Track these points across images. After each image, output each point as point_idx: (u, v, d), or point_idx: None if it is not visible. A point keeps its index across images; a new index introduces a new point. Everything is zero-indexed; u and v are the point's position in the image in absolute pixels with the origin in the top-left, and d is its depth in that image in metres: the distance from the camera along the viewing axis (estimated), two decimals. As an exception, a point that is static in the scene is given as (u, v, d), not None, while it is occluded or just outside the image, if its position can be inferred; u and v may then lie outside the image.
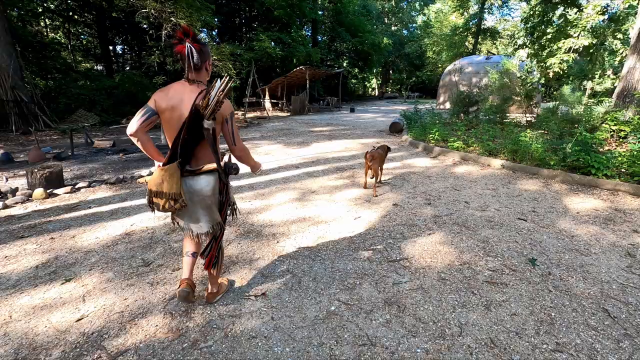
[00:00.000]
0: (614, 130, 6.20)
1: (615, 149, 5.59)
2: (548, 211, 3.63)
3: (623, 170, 4.56)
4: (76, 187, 4.54)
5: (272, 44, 20.46)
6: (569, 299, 2.15)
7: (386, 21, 40.77)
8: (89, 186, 4.63)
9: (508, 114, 9.20)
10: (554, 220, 3.40)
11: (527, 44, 10.84)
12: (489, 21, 33.57)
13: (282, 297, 2.20)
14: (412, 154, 6.81)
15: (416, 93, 34.11)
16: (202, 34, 18.85)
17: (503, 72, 10.00)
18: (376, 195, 4.25)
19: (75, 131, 7.61)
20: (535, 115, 9.40)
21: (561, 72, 9.41)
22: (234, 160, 2.01)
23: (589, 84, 10.41)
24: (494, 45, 34.50)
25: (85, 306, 2.12)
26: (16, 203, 3.96)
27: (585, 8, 9.83)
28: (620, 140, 6.21)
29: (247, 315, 2.03)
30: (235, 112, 2.00)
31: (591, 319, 1.97)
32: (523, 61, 11.48)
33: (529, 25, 10.66)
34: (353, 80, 36.40)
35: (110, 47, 21.56)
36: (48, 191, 4.25)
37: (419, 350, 1.74)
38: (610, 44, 10.06)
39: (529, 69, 10.31)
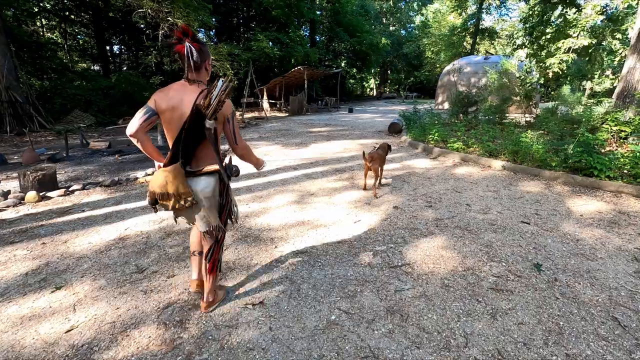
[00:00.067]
0: (614, 131, 6.15)
1: (616, 149, 5.54)
2: (551, 214, 3.56)
3: (625, 171, 4.50)
4: (70, 189, 4.45)
5: (270, 44, 20.37)
6: (577, 306, 2.08)
7: (384, 21, 40.77)
8: (83, 189, 4.54)
9: (507, 114, 9.15)
10: (558, 223, 3.33)
11: (526, 44, 10.81)
12: (487, 21, 33.61)
13: (281, 305, 2.12)
14: (411, 155, 6.74)
15: (414, 93, 34.09)
16: (200, 34, 18.75)
17: (502, 72, 9.96)
18: (376, 196, 4.19)
19: (70, 132, 7.49)
20: (534, 116, 9.36)
21: (561, 72, 9.37)
22: (234, 161, 2.00)
23: (588, 84, 10.37)
24: (492, 45, 34.53)
25: (76, 316, 2.04)
26: (8, 206, 3.87)
27: (584, 8, 9.81)
28: (621, 140, 6.17)
29: (244, 325, 1.95)
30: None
31: (601, 328, 1.90)
32: (522, 61, 11.44)
33: (528, 25, 10.63)
34: (351, 81, 36.35)
35: (107, 47, 21.44)
36: (41, 194, 4.16)
37: (423, 363, 1.67)
38: (609, 44, 10.02)
39: (528, 69, 10.27)
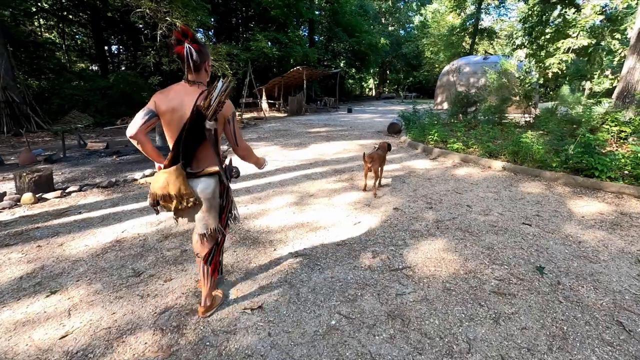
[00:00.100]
0: (614, 131, 6.13)
1: (616, 150, 5.51)
2: (552, 215, 3.53)
3: (626, 172, 4.48)
4: (66, 191, 4.40)
5: (269, 44, 20.33)
6: (581, 310, 2.05)
7: (383, 21, 40.78)
8: (79, 190, 4.49)
9: (506, 115, 9.13)
10: (560, 225, 3.30)
11: (526, 44, 10.79)
12: (486, 21, 33.62)
13: (280, 310, 2.08)
14: (411, 156, 6.71)
15: (413, 93, 34.08)
16: (199, 34, 18.69)
17: (501, 73, 9.94)
18: (376, 195, 4.19)
19: (67, 133, 7.45)
20: (533, 116, 9.34)
21: (560, 73, 9.36)
22: (235, 163, 2.00)
23: (587, 84, 10.36)
24: (491, 45, 34.54)
25: (71, 321, 2.00)
26: (3, 208, 3.82)
27: (584, 8, 9.79)
28: (621, 141, 6.15)
29: (243, 331, 1.91)
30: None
31: (605, 333, 1.87)
32: (521, 61, 11.43)
33: (527, 25, 10.60)
34: (350, 81, 36.32)
35: (106, 47, 21.35)
36: (37, 196, 4.12)
37: (425, 370, 1.64)
38: (608, 44, 10.00)
39: (527, 69, 10.25)
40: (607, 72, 11.10)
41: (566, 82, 9.01)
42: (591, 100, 7.48)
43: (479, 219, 3.46)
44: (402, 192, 4.39)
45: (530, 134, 5.70)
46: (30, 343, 1.83)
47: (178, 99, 1.67)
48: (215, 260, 1.98)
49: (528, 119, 9.26)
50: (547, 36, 9.98)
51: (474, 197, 4.12)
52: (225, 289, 2.29)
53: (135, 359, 1.71)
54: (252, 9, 23.01)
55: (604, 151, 5.00)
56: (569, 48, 9.30)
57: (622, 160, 4.49)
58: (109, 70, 19.48)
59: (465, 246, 2.87)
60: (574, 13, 9.67)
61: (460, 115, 10.02)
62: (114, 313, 2.07)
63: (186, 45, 1.63)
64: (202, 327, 1.93)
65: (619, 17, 9.76)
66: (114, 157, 6.61)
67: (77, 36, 22.19)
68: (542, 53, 10.09)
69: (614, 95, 7.33)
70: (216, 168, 1.81)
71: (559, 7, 9.82)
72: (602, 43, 9.85)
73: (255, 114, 16.85)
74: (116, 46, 23.92)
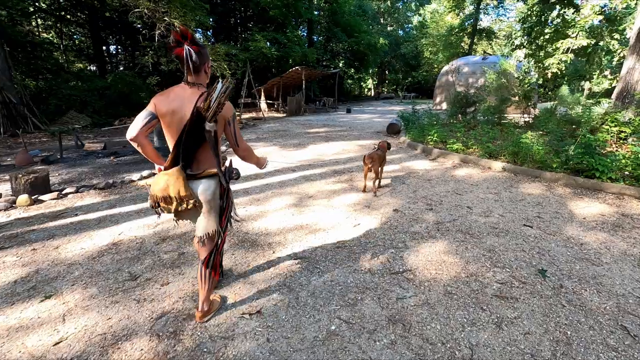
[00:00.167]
0: (614, 132, 6.11)
1: (616, 150, 5.50)
2: (554, 217, 3.51)
3: (627, 173, 4.46)
4: (63, 192, 4.35)
5: (268, 44, 20.30)
6: (585, 315, 2.02)
7: (382, 21, 40.78)
8: (76, 192, 4.44)
9: (506, 115, 9.11)
10: (561, 226, 3.27)
11: (525, 44, 10.78)
12: (485, 21, 33.64)
13: (279, 315, 2.05)
14: (410, 156, 6.68)
15: (412, 93, 34.09)
16: (197, 34, 18.64)
17: (500, 73, 9.92)
18: (376, 193, 4.23)
19: (65, 133, 7.39)
20: (533, 116, 9.32)
21: (559, 73, 9.34)
22: (235, 165, 2.00)
23: (586, 85, 10.36)
24: (490, 46, 34.57)
25: (65, 327, 1.96)
26: (-2, 210, 3.77)
27: (583, 8, 9.79)
28: (621, 141, 6.13)
29: (241, 336, 1.87)
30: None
31: (610, 337, 1.84)
32: (520, 61, 11.42)
33: (526, 26, 10.59)
34: (349, 81, 36.30)
35: (104, 47, 21.27)
36: (33, 197, 4.07)
37: (428, 377, 1.60)
38: (607, 44, 10.00)
39: (526, 70, 10.23)
40: (606, 72, 11.10)
41: (565, 82, 9.00)
42: (590, 101, 7.47)
43: (479, 220, 3.43)
44: (402, 193, 4.36)
45: (530, 134, 5.68)
46: (23, 350, 1.79)
47: (178, 101, 1.67)
48: (215, 262, 1.97)
49: (527, 119, 9.24)
50: (546, 36, 9.97)
51: (474, 199, 4.10)
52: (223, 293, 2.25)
53: (130, 367, 1.67)
54: (250, 9, 22.96)
55: (604, 152, 4.98)
56: (568, 48, 9.29)
57: (623, 161, 4.47)
58: (107, 70, 19.40)
59: (466, 248, 2.84)
60: (573, 13, 9.67)
61: (460, 115, 10.00)
62: (109, 318, 2.03)
63: (185, 47, 1.63)
64: (199, 333, 1.89)
65: (618, 17, 9.76)
66: (112, 158, 6.56)
67: (75, 36, 22.09)
68: (541, 53, 10.08)
69: (614, 96, 7.32)
70: (221, 168, 1.81)
71: (557, 7, 9.81)
72: (601, 43, 9.85)
73: (254, 114, 16.80)
74: (114, 46, 23.84)
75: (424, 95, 34.64)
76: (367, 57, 29.05)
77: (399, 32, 42.40)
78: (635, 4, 7.65)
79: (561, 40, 9.45)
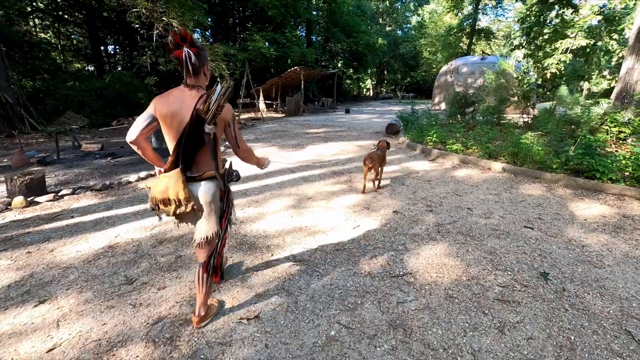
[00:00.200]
0: (613, 132, 6.10)
1: (616, 151, 5.48)
2: (554, 218, 3.48)
3: (627, 173, 4.43)
4: (59, 194, 4.30)
5: (266, 44, 20.24)
6: (588, 319, 1.99)
7: (380, 21, 40.77)
8: (73, 193, 4.40)
9: (505, 115, 9.10)
10: (562, 228, 3.25)
11: (524, 44, 10.76)
12: (483, 22, 33.64)
13: (277, 320, 2.01)
14: (410, 157, 6.65)
15: (411, 94, 34.05)
16: (195, 34, 18.59)
17: (499, 73, 9.91)
18: (377, 190, 4.30)
19: (62, 134, 7.34)
20: (531, 116, 9.31)
21: (558, 73, 9.33)
22: (235, 167, 1.99)
23: (585, 85, 10.35)
24: (488, 46, 34.58)
25: (59, 333, 1.92)
26: (-7, 213, 3.72)
27: (582, 8, 9.78)
28: (620, 142, 6.12)
29: (239, 342, 1.84)
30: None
31: (614, 342, 1.81)
32: (519, 62, 11.41)
33: (525, 26, 10.58)
34: (348, 81, 36.26)
35: (102, 47, 21.17)
36: (29, 199, 4.02)
37: (429, 384, 1.57)
38: (605, 44, 10.00)
39: (525, 70, 10.22)
40: (605, 73, 11.10)
41: (563, 82, 8.99)
42: (589, 101, 7.46)
43: (480, 222, 3.40)
44: (402, 194, 4.33)
45: (530, 134, 5.66)
46: (16, 357, 1.75)
47: (177, 104, 1.66)
48: (215, 265, 1.96)
49: (526, 120, 9.23)
50: (545, 36, 9.96)
51: (475, 200, 4.07)
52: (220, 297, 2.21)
53: (125, 374, 1.64)
54: (249, 9, 22.91)
55: (603, 152, 4.96)
56: (567, 48, 9.27)
57: (623, 162, 4.45)
58: (105, 70, 19.29)
59: (467, 251, 2.81)
60: (571, 13, 9.66)
61: (459, 115, 9.98)
62: (104, 324, 1.99)
63: (185, 49, 1.63)
64: (196, 339, 1.86)
65: (617, 18, 9.76)
66: (109, 158, 6.51)
67: (72, 36, 21.99)
68: (540, 53, 10.07)
69: (613, 96, 7.31)
70: (218, 171, 1.80)
71: (556, 7, 9.80)
72: (599, 43, 9.84)
73: (252, 115, 16.76)
74: (112, 46, 23.75)
75: (422, 95, 34.61)
76: (366, 57, 29.03)
77: (398, 32, 42.39)
78: (634, 4, 7.64)
79: (560, 41, 9.44)
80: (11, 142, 8.51)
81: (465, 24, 30.29)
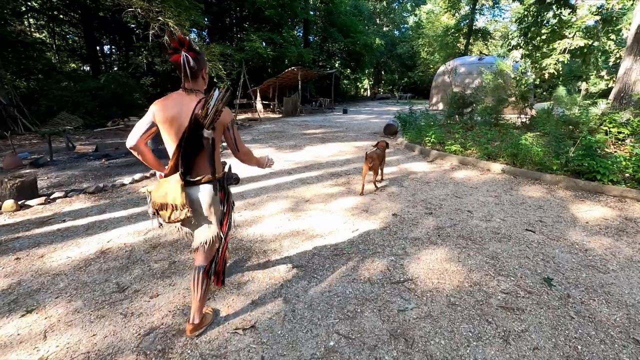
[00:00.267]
0: (612, 133, 6.07)
1: (615, 152, 5.44)
2: (556, 221, 3.43)
3: (627, 175, 4.40)
4: (51, 197, 4.21)
5: (263, 44, 20.15)
6: (594, 327, 1.93)
7: (378, 22, 40.74)
8: (65, 196, 4.30)
9: (502, 115, 9.07)
10: (564, 231, 3.19)
11: (521, 44, 10.74)
12: (480, 22, 33.68)
13: (274, 329, 1.94)
14: (408, 158, 6.59)
15: (408, 94, 34.04)
16: (192, 34, 18.46)
17: (497, 73, 9.88)
18: (377, 190, 4.30)
19: (56, 135, 7.22)
20: (529, 117, 9.29)
21: (556, 73, 9.31)
22: (234, 169, 1.98)
23: (583, 85, 10.34)
24: (486, 46, 34.62)
25: (46, 345, 1.84)
26: (-18, 217, 3.62)
27: (579, 8, 9.77)
28: (619, 142, 6.09)
29: (234, 354, 1.76)
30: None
31: (622, 352, 1.75)
32: (517, 62, 11.38)
33: (522, 26, 10.55)
34: (345, 81, 36.21)
35: (97, 47, 20.99)
36: (19, 202, 3.92)
37: (433, 399, 1.50)
38: (603, 45, 9.98)
39: (523, 70, 10.20)
40: (603, 73, 11.10)
41: (560, 82, 8.97)
42: (587, 101, 7.43)
43: (480, 225, 3.35)
44: (401, 196, 4.26)
45: (529, 135, 5.61)
46: (-1, 371, 1.67)
47: (176, 108, 1.65)
48: (217, 269, 1.91)
49: (524, 120, 9.20)
50: (543, 37, 9.93)
51: (475, 202, 4.01)
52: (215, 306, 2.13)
53: (114, 390, 1.56)
54: (246, 9, 22.80)
55: (603, 153, 4.92)
56: (565, 49, 9.25)
57: (624, 163, 4.41)
58: (100, 70, 19.12)
59: (469, 255, 2.75)
60: (569, 14, 9.64)
61: (457, 116, 9.94)
62: (94, 335, 1.91)
63: (183, 53, 1.62)
64: (189, 351, 1.78)
65: (614, 18, 9.75)
66: (103, 160, 6.41)
67: (68, 36, 21.76)
68: (538, 54, 10.05)
69: (611, 96, 7.29)
70: (216, 175, 1.78)
71: (554, 7, 9.78)
72: (596, 43, 9.83)
73: (249, 115, 16.66)
74: (108, 46, 23.55)
75: (420, 95, 34.61)
76: (363, 57, 28.97)
77: (395, 32, 42.39)
78: (632, 4, 7.62)
79: (558, 41, 9.42)
80: (3, 143, 8.38)
81: (462, 24, 30.31)
